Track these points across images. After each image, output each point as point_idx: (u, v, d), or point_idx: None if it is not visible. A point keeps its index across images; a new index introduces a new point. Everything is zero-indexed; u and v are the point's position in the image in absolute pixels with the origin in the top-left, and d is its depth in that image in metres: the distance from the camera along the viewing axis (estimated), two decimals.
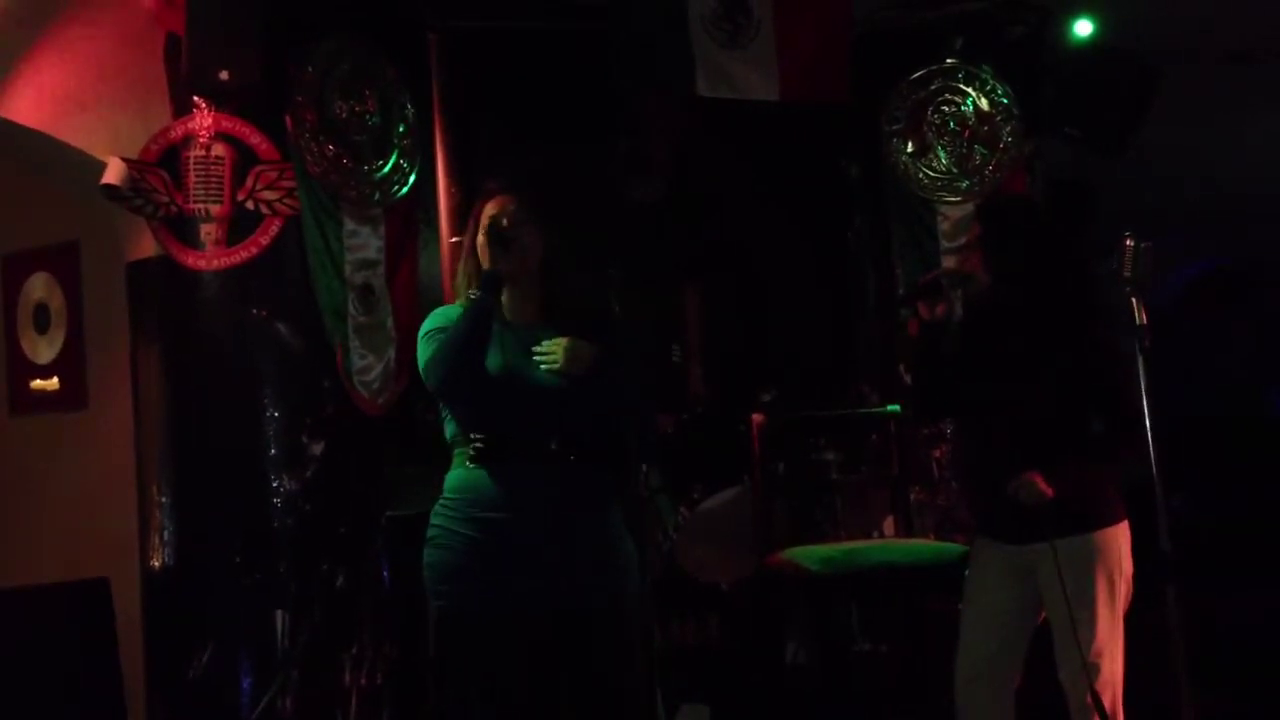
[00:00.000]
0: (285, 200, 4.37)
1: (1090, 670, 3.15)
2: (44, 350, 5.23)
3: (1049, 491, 3.13)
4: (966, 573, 3.45)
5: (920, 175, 5.13)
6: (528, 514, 2.93)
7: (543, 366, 2.94)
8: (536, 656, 2.94)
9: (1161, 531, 3.14)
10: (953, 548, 4.27)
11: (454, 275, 3.23)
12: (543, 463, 2.95)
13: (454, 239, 4.38)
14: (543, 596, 2.92)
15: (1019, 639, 3.34)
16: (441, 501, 3.01)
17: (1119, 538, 3.26)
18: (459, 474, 3.00)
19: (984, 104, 5.09)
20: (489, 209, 3.05)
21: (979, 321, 3.36)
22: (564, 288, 3.10)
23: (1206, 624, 3.55)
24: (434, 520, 3.00)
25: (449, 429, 3.04)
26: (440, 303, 3.87)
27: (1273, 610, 4.80)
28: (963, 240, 4.80)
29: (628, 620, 3.04)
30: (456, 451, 3.03)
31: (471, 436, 2.98)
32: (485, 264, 2.99)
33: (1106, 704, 3.16)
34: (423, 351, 3.00)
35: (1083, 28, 5.05)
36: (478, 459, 2.97)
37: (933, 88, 5.12)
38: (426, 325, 3.05)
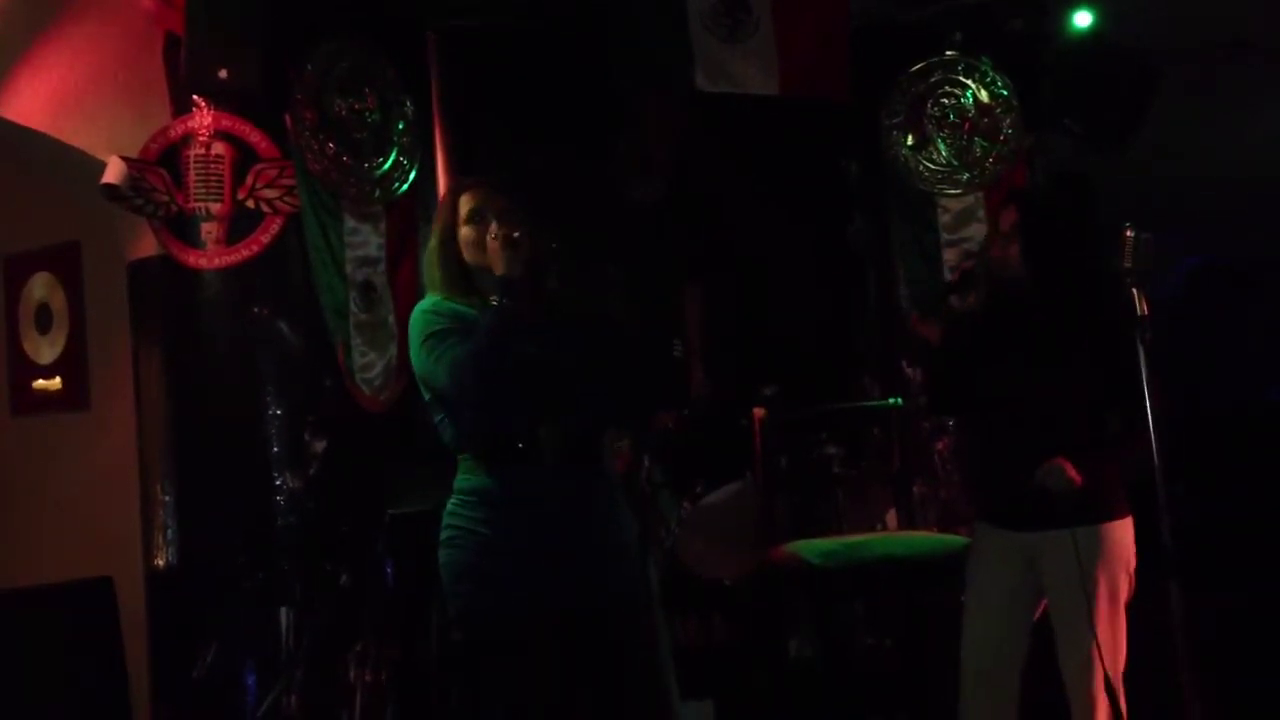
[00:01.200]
0: (285, 198, 4.37)
1: (1091, 661, 3.16)
2: (46, 350, 5.24)
3: (1078, 479, 3.13)
4: (968, 562, 3.45)
5: (920, 168, 5.12)
6: (541, 512, 2.92)
7: None
8: (555, 652, 2.94)
9: (1164, 526, 3.14)
10: (955, 540, 4.27)
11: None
12: (550, 460, 2.94)
13: None
14: (559, 595, 2.92)
15: (1022, 628, 3.34)
16: (455, 501, 2.99)
17: (1126, 531, 3.27)
18: (469, 475, 2.99)
19: (984, 96, 5.08)
20: (465, 201, 3.03)
21: (1007, 311, 3.35)
22: (559, 284, 3.08)
23: (1209, 619, 3.55)
24: (448, 520, 2.99)
25: (447, 433, 3.02)
26: None
27: (1276, 605, 4.80)
28: (970, 231, 4.85)
29: (641, 616, 3.04)
30: (463, 456, 3.01)
31: (480, 437, 2.97)
32: (496, 267, 2.94)
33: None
34: (433, 357, 2.93)
35: (1082, 19, 5.05)
36: (487, 459, 2.96)
37: (932, 80, 5.12)
38: (424, 328, 2.97)
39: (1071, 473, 3.14)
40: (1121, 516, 3.27)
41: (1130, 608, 3.28)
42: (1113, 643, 3.20)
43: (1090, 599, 3.16)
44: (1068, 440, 3.19)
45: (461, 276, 3.02)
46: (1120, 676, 3.22)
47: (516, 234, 2.91)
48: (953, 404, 3.72)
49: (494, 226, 2.95)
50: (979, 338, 3.35)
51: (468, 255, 3.00)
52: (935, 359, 3.70)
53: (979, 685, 3.35)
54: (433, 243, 3.10)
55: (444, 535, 2.98)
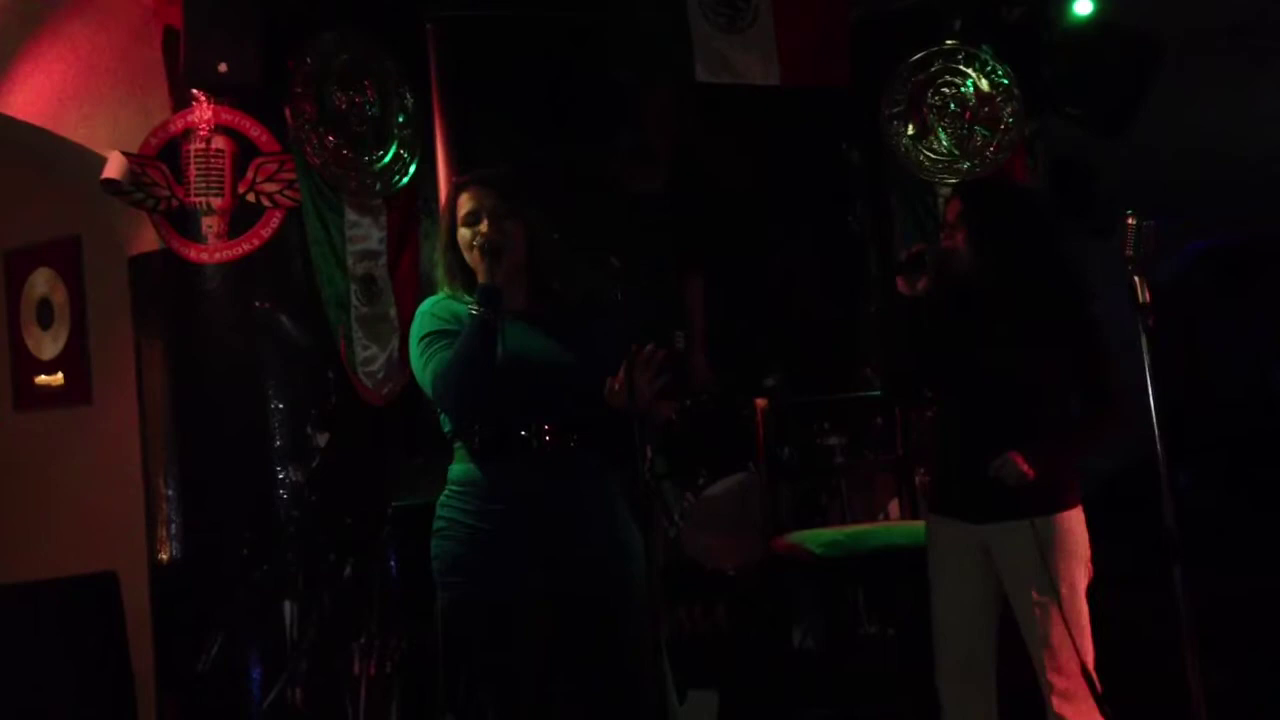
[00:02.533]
0: (286, 192, 4.37)
1: (1067, 656, 3.17)
2: (48, 346, 5.24)
3: (1030, 473, 3.14)
4: (929, 560, 3.43)
5: (921, 158, 5.11)
6: (531, 503, 2.93)
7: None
8: (544, 645, 2.95)
9: (1167, 510, 3.14)
10: None
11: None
12: (543, 451, 2.95)
13: None
14: (549, 585, 2.93)
15: (991, 618, 3.34)
16: (446, 492, 3.01)
17: (1079, 519, 3.28)
18: (462, 465, 3.00)
19: (984, 85, 5.07)
20: (463, 202, 3.04)
21: (961, 299, 3.34)
22: (552, 274, 3.09)
23: (1213, 604, 3.55)
24: (440, 511, 3.01)
25: (446, 423, 3.04)
26: None
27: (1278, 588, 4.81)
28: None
29: (634, 606, 3.05)
30: (457, 445, 3.02)
31: (473, 428, 2.98)
32: (479, 274, 2.95)
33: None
34: (424, 360, 2.97)
35: (1082, 6, 5.04)
36: (480, 450, 2.97)
37: (933, 69, 5.11)
38: (420, 329, 3.01)
39: (1024, 466, 3.14)
40: (1074, 505, 3.28)
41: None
42: (1078, 630, 3.21)
43: (1056, 589, 3.16)
44: (1020, 430, 3.20)
45: (463, 276, 3.03)
46: (1092, 664, 3.22)
47: (494, 243, 2.93)
48: (906, 389, 3.70)
49: (481, 229, 2.96)
50: (928, 326, 3.34)
51: (466, 256, 3.02)
52: (888, 342, 3.69)
53: (957, 680, 3.35)
54: (439, 241, 3.12)
55: (436, 525, 3.00)
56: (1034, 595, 3.19)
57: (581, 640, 2.98)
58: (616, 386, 2.86)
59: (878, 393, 5.00)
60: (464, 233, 3.01)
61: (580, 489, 2.99)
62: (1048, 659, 3.21)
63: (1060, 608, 3.17)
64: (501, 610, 2.92)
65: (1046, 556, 3.17)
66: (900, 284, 3.33)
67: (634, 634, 2.99)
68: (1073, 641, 3.16)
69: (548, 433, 2.96)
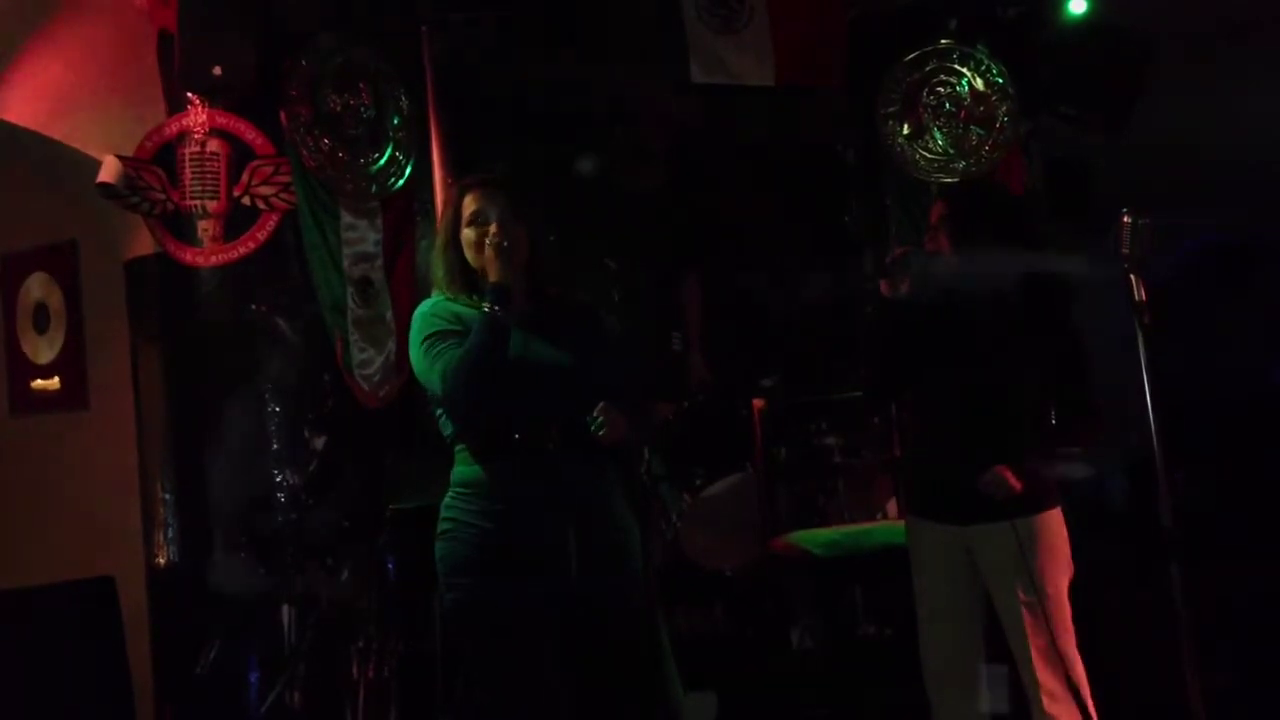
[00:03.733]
0: (282, 195, 4.37)
1: (1053, 655, 3.17)
2: (44, 350, 5.24)
3: (1018, 486, 3.15)
4: (912, 564, 3.42)
5: (917, 157, 5.11)
6: (534, 504, 2.93)
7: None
8: (549, 645, 2.95)
9: (1165, 510, 3.14)
10: None
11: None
12: (545, 452, 2.95)
13: None
14: (553, 585, 2.93)
15: (976, 619, 3.34)
16: (450, 494, 3.01)
17: (1059, 520, 3.29)
18: (465, 467, 3.00)
19: (979, 84, 5.07)
20: (469, 203, 3.04)
21: (944, 302, 3.34)
22: (551, 276, 3.10)
23: (1211, 601, 3.55)
24: (444, 514, 3.00)
25: (446, 426, 3.04)
26: None
27: (1276, 587, 4.80)
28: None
29: (637, 606, 3.05)
30: (459, 447, 3.02)
31: (476, 430, 2.98)
32: (490, 273, 2.96)
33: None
34: (429, 360, 2.96)
35: (1077, 5, 5.04)
36: (482, 452, 2.97)
37: (928, 69, 5.10)
38: (422, 330, 3.00)
39: (1012, 481, 3.16)
40: (1053, 506, 3.28)
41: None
42: (1062, 629, 3.21)
43: (1040, 589, 3.16)
44: (1000, 433, 3.20)
45: (464, 277, 3.04)
46: (1080, 665, 3.22)
47: (508, 242, 2.93)
48: (888, 391, 3.69)
49: (491, 230, 2.97)
50: (909, 329, 3.33)
51: (470, 256, 3.02)
52: (870, 343, 3.68)
53: (946, 682, 3.34)
54: (438, 241, 3.11)
55: (441, 528, 2.99)
56: (1019, 596, 3.20)
57: (585, 640, 2.97)
58: (601, 432, 2.87)
59: None
60: (469, 233, 3.02)
61: (582, 489, 2.99)
62: (1034, 659, 3.21)
63: (1045, 608, 3.17)
64: (507, 610, 2.92)
65: (1029, 557, 3.17)
66: (883, 286, 3.33)
67: (637, 634, 2.99)
68: (1057, 641, 3.16)
69: (548, 434, 2.96)
